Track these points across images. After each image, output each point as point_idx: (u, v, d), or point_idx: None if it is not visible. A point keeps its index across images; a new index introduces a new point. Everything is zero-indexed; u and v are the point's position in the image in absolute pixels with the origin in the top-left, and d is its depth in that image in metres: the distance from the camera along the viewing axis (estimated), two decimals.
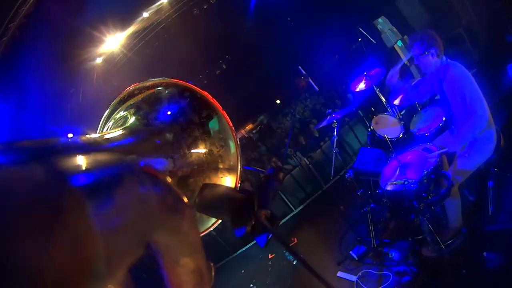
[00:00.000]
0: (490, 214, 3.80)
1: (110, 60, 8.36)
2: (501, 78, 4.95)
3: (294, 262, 5.86)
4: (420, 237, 4.16)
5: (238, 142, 0.87)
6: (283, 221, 8.22)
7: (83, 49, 7.16)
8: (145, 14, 8.10)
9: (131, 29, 7.99)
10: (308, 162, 8.60)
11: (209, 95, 0.88)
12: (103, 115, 0.90)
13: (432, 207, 3.75)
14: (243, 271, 7.37)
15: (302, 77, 5.16)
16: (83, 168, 0.47)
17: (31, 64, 5.85)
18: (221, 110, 0.87)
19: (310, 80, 5.14)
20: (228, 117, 0.88)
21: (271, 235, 0.80)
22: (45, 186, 0.39)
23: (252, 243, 8.24)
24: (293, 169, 8.76)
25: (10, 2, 5.41)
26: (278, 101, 14.15)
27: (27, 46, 5.77)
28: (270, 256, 6.89)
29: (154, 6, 8.13)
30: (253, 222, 0.80)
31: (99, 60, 8.10)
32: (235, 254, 8.42)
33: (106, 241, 0.41)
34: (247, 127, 15.19)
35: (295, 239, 6.82)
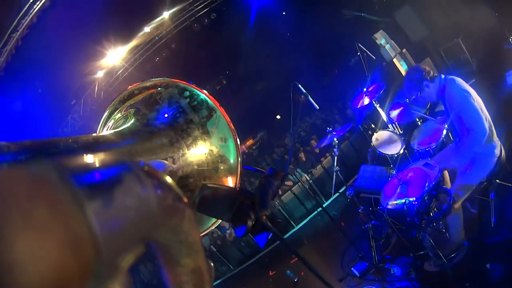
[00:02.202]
0: (492, 225, 3.76)
1: (111, 74, 8.45)
2: (500, 87, 4.97)
3: (295, 280, 5.79)
4: (422, 252, 4.12)
5: (238, 142, 0.87)
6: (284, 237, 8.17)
7: (85, 63, 7.24)
8: (146, 29, 8.21)
9: (133, 43, 8.10)
10: (308, 178, 8.59)
11: (209, 95, 0.88)
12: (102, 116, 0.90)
13: (434, 223, 3.73)
14: None
15: (302, 96, 5.17)
16: (84, 168, 0.47)
17: (33, 74, 5.91)
18: (221, 110, 0.88)
19: (310, 99, 5.14)
20: (228, 117, 0.88)
21: (271, 235, 0.80)
22: (45, 186, 0.39)
23: (253, 259, 8.20)
24: (294, 185, 8.75)
25: (13, 12, 5.49)
26: (278, 117, 14.22)
27: (29, 57, 5.84)
28: (271, 273, 6.84)
29: (155, 21, 8.24)
30: (253, 222, 0.79)
31: (100, 74, 8.18)
32: (236, 271, 8.35)
33: (106, 242, 0.40)
34: (247, 143, 15.24)
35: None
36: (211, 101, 0.87)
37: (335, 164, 5.82)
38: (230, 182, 0.88)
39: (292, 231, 8.43)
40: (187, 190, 0.81)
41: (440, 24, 7.09)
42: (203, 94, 0.87)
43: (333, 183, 6.09)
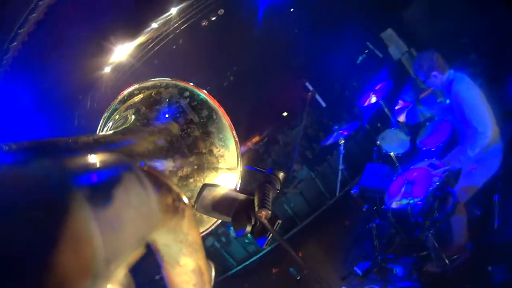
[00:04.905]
0: (495, 227, 3.74)
1: (118, 70, 8.46)
2: (507, 89, 4.90)
3: (298, 278, 5.80)
4: (425, 253, 4.11)
5: (238, 142, 0.87)
6: (288, 235, 8.17)
7: (92, 58, 7.27)
8: (154, 25, 8.21)
9: (140, 39, 8.11)
10: (314, 176, 8.56)
11: (209, 95, 0.88)
12: (102, 116, 0.90)
13: (437, 224, 3.72)
14: (246, 285, 7.33)
15: (310, 93, 5.17)
16: (84, 168, 0.47)
17: (40, 70, 5.95)
18: (221, 110, 0.88)
19: (317, 96, 5.15)
20: (228, 117, 0.88)
21: (271, 234, 0.80)
22: (46, 186, 0.39)
23: (257, 256, 8.20)
24: (299, 182, 8.73)
25: (21, 8, 5.53)
26: (285, 114, 14.16)
27: (36, 53, 5.88)
28: (274, 271, 6.85)
29: (163, 17, 8.25)
30: (253, 222, 0.80)
31: (107, 70, 8.20)
32: (239, 268, 8.36)
33: (106, 241, 0.41)
34: (253, 140, 15.17)
35: (300, 253, 6.76)
36: (211, 101, 0.87)
37: (341, 162, 5.80)
38: (230, 182, 0.88)
39: (297, 228, 8.42)
40: (187, 190, 0.82)
41: (448, 23, 7.02)
42: (203, 94, 0.87)
43: (338, 182, 6.07)
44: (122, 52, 7.93)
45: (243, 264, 8.36)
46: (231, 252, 8.26)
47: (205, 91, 0.88)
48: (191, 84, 0.89)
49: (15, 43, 5.60)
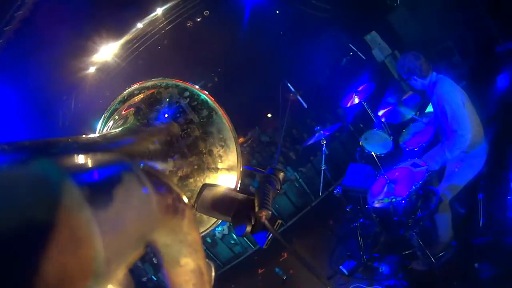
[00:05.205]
0: (480, 226, 3.79)
1: (103, 69, 8.36)
2: (491, 90, 4.98)
3: (284, 277, 5.82)
4: (410, 251, 4.16)
5: (238, 142, 0.88)
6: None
7: (77, 58, 7.17)
8: (139, 25, 8.15)
9: (125, 39, 8.03)
10: (298, 177, 8.59)
11: (209, 95, 0.88)
12: (102, 116, 0.89)
13: (421, 223, 3.77)
14: (233, 286, 7.30)
15: (291, 94, 5.16)
16: (83, 168, 0.46)
17: (25, 69, 5.83)
18: (221, 110, 0.88)
19: (299, 97, 5.16)
20: (228, 117, 0.88)
21: (271, 234, 0.81)
22: (45, 186, 0.38)
23: (243, 257, 8.19)
24: (283, 183, 8.74)
25: (7, 5, 5.42)
26: (269, 115, 14.16)
27: (21, 51, 5.77)
28: (260, 271, 6.84)
29: (148, 17, 8.19)
30: (253, 222, 0.80)
31: (92, 69, 8.09)
32: (225, 268, 8.34)
33: (106, 241, 0.40)
34: (238, 141, 15.13)
35: (285, 254, 6.78)
36: (211, 101, 0.87)
37: (323, 163, 5.83)
38: (230, 182, 0.88)
39: (281, 229, 8.42)
40: (187, 190, 0.82)
41: (432, 26, 7.09)
42: (204, 95, 0.88)
43: (321, 182, 6.10)
44: (107, 52, 7.84)
45: (229, 265, 8.33)
46: (217, 253, 8.23)
47: (205, 91, 0.88)
48: (192, 84, 0.89)
49: (0, 41, 5.49)
